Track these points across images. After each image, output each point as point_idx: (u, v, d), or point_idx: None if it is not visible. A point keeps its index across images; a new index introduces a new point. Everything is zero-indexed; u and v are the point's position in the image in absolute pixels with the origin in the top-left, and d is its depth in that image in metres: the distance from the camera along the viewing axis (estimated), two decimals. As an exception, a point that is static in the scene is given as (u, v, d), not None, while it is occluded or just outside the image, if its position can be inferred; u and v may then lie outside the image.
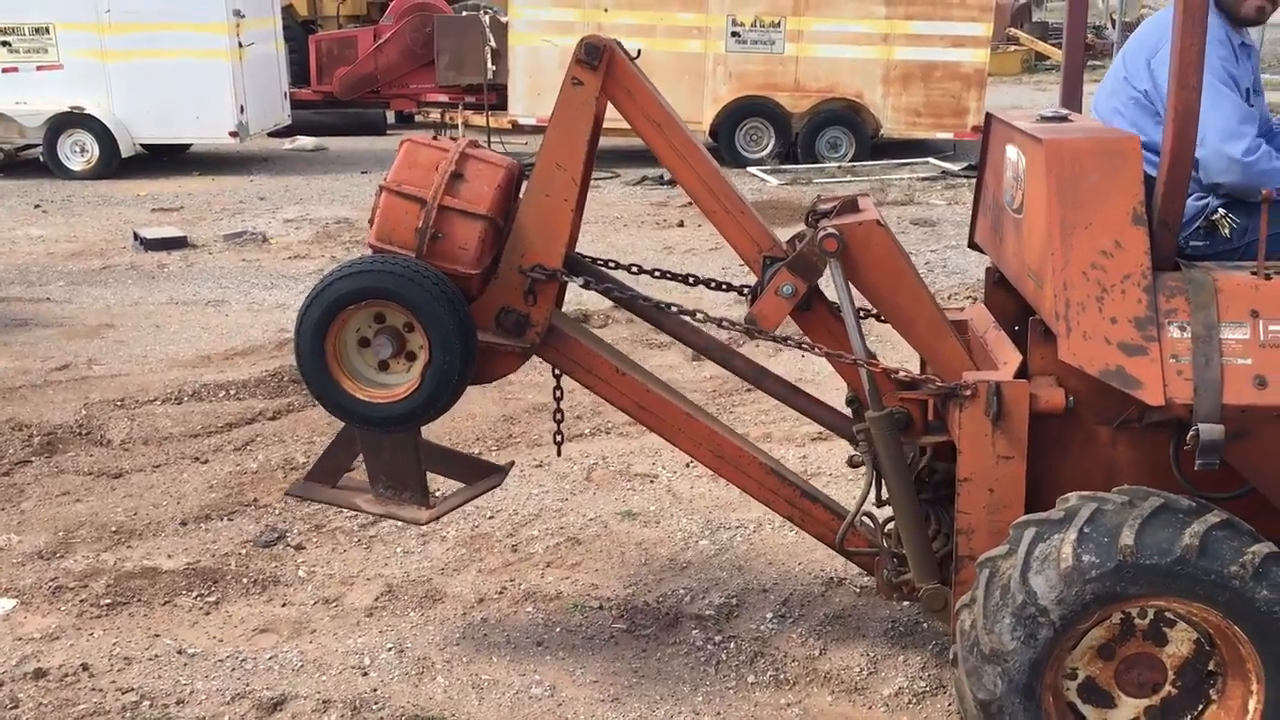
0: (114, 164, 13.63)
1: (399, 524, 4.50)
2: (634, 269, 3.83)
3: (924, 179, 13.67)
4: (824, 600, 4.22)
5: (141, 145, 13.99)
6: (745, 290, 3.80)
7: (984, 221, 3.86)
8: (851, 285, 3.33)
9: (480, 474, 3.87)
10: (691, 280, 3.86)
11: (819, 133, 14.65)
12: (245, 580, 4.42)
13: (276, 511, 5.00)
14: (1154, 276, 2.96)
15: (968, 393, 3.16)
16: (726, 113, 14.45)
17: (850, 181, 13.42)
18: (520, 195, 3.54)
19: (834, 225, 3.32)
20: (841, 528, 3.48)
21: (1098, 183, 2.97)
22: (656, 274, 3.88)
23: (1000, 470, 3.19)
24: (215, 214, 11.73)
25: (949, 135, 14.81)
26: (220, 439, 5.82)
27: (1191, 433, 2.89)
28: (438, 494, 3.87)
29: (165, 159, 14.65)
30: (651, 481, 5.30)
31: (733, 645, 3.94)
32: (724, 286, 3.92)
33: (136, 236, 10.34)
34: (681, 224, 11.07)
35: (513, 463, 4.20)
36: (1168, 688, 2.99)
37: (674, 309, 3.51)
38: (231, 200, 12.49)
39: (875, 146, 14.86)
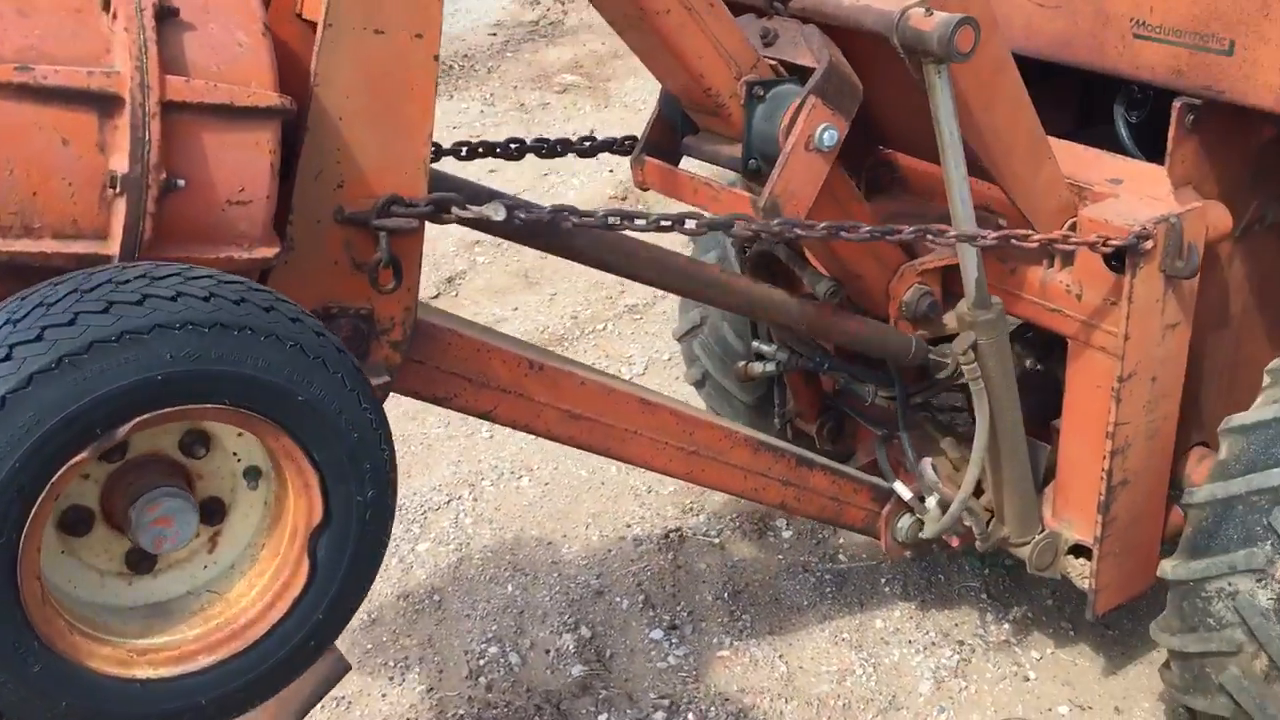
0: None
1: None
2: (512, 145, 2.41)
3: None
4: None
5: None
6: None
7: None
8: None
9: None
10: (587, 144, 2.47)
11: None
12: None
13: None
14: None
15: (1148, 244, 2.05)
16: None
17: None
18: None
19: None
20: (954, 506, 2.36)
21: None
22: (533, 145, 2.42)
23: (1165, 348, 2.16)
24: None
25: None
26: None
27: None
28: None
29: None
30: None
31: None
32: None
33: None
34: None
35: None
36: None
37: (640, 222, 1.94)
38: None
39: None
